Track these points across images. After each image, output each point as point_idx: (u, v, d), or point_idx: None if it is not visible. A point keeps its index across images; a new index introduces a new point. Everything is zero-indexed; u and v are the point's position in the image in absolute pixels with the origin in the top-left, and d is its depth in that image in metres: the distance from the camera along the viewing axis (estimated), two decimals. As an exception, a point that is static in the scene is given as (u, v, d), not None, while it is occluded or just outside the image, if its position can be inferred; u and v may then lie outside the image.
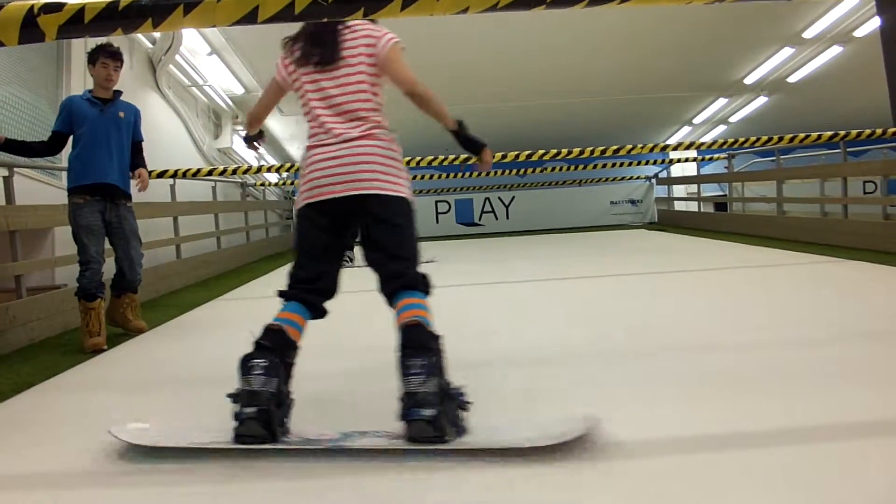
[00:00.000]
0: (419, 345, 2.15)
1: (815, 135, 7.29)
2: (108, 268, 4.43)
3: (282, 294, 2.43)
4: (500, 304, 5.24)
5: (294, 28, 2.55)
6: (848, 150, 8.40)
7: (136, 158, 4.47)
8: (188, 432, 2.29)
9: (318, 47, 2.46)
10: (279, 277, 7.94)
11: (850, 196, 8.21)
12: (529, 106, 12.25)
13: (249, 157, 12.57)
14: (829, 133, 7.25)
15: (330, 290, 2.46)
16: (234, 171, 8.26)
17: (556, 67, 10.67)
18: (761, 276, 6.07)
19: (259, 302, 6.18)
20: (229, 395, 2.19)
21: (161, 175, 6.47)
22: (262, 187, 12.90)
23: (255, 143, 2.97)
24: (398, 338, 2.18)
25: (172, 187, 7.64)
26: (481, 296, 5.75)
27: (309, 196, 2.40)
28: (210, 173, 7.66)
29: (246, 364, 2.18)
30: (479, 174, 11.60)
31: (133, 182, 4.52)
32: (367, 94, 2.46)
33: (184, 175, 7.12)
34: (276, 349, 2.22)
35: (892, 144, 9.96)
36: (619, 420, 2.21)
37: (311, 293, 2.41)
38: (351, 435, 2.19)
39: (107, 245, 4.38)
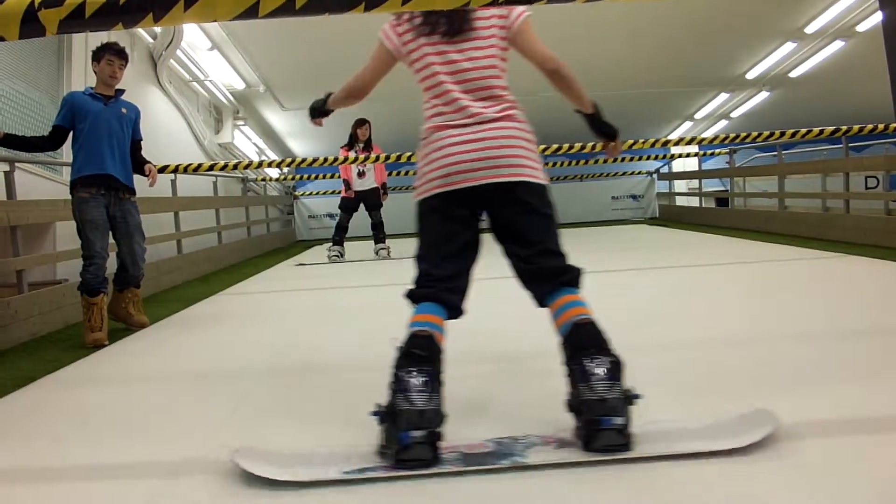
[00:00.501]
0: (599, 345, 1.98)
1: (816, 130, 7.28)
2: (111, 263, 4.44)
3: (414, 294, 2.16)
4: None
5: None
6: (850, 145, 8.39)
7: (136, 157, 4.49)
8: (323, 458, 1.99)
9: (445, 15, 2.16)
10: (280, 272, 7.98)
11: (852, 191, 8.21)
12: (531, 100, 12.19)
13: (251, 152, 12.57)
14: (831, 128, 7.25)
15: (467, 289, 2.20)
16: (235, 167, 8.25)
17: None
18: (762, 271, 6.06)
19: (260, 297, 6.20)
20: (376, 413, 1.96)
21: (162, 170, 6.46)
22: (263, 182, 12.89)
23: (320, 120, 2.69)
24: (567, 338, 2.02)
25: (173, 182, 7.64)
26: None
27: (443, 184, 2.13)
28: (211, 168, 7.65)
29: (403, 378, 1.92)
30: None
31: (146, 179, 4.54)
32: (499, 69, 2.23)
33: (185, 170, 7.11)
34: (431, 359, 1.98)
35: (895, 140, 9.95)
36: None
37: (450, 292, 2.14)
38: (504, 443, 2.01)
39: (110, 240, 4.39)
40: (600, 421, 1.87)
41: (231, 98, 11.18)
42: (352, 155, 8.08)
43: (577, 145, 6.91)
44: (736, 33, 10.06)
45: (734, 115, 14.02)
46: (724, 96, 13.09)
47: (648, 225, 12.76)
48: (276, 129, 13.46)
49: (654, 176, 14.63)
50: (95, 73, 4.33)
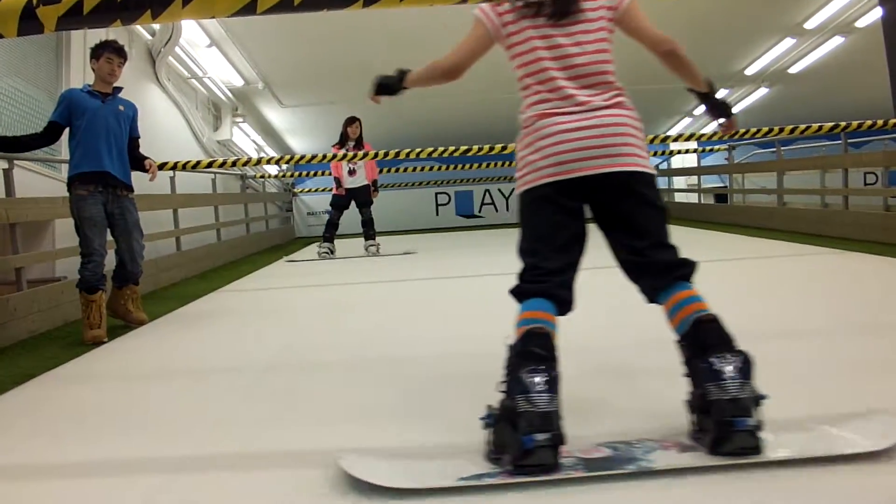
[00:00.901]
0: (727, 342, 1.86)
1: (815, 126, 7.28)
2: (109, 259, 4.44)
3: (523, 290, 2.02)
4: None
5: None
6: (849, 141, 8.38)
7: (134, 154, 4.49)
8: (433, 466, 1.88)
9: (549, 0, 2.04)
10: (279, 269, 7.95)
11: (851, 187, 8.21)
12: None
13: (249, 149, 12.56)
14: (830, 124, 7.24)
15: (574, 283, 2.06)
16: (234, 164, 8.26)
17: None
18: (761, 267, 6.07)
19: (259, 294, 6.20)
20: (488, 416, 1.87)
21: (161, 167, 6.44)
22: (262, 179, 12.89)
23: (380, 98, 2.55)
24: (688, 335, 1.92)
25: (172, 179, 7.63)
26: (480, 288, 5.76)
27: (555, 173, 2.01)
28: (210, 165, 7.65)
29: (523, 379, 1.79)
30: (479, 166, 11.59)
31: (146, 175, 4.55)
32: (608, 54, 2.11)
33: (183, 167, 7.11)
34: (551, 358, 1.87)
35: (894, 136, 9.95)
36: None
37: (561, 287, 2.01)
38: (620, 447, 1.91)
39: (108, 237, 4.40)
40: (733, 423, 1.76)
41: (230, 95, 11.17)
42: (340, 153, 8.10)
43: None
44: (735, 29, 10.05)
45: (734, 110, 13.97)
46: (723, 92, 13.07)
47: (647, 221, 12.75)
48: (275, 126, 13.45)
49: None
50: (94, 70, 4.33)
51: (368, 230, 8.78)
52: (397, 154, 7.12)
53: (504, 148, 6.89)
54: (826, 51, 10.68)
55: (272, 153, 13.91)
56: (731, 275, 5.62)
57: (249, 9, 1.74)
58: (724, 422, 1.77)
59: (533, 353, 1.84)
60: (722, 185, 13.23)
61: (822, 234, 7.89)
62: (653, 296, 2.06)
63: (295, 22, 8.61)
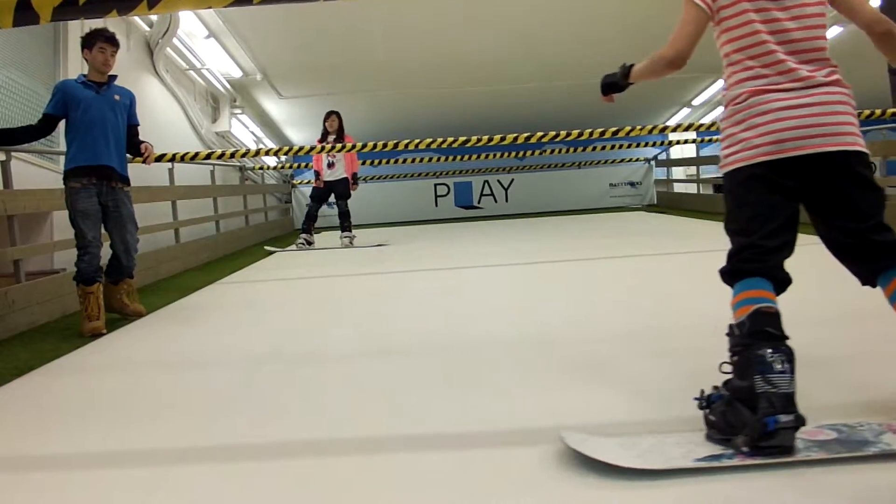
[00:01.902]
0: None
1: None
2: (105, 252, 4.44)
3: (741, 269, 1.99)
4: (498, 285, 5.25)
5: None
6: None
7: (133, 140, 4.48)
8: (660, 446, 1.86)
9: None
10: (278, 261, 7.91)
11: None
12: (531, 88, 12.20)
13: (248, 140, 12.53)
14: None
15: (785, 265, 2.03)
16: (233, 155, 8.21)
17: (559, 52, 10.62)
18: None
19: (258, 286, 6.20)
20: (701, 399, 1.91)
21: (159, 159, 6.44)
22: (261, 171, 12.86)
23: (613, 96, 2.53)
24: None
25: (171, 171, 7.62)
26: (480, 277, 5.77)
27: (773, 151, 1.96)
28: (208, 157, 7.62)
29: (763, 360, 1.78)
30: (479, 157, 11.58)
31: (143, 166, 4.54)
32: (824, 29, 2.08)
33: (182, 159, 7.09)
34: (784, 337, 1.85)
35: (892, 125, 9.93)
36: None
37: (778, 267, 1.99)
38: (843, 430, 1.88)
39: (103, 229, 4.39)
40: None
41: (228, 86, 11.13)
42: (327, 146, 8.17)
43: (575, 132, 6.88)
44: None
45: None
46: (721, 82, 13.04)
47: (646, 212, 12.75)
48: (274, 118, 13.41)
49: (652, 163, 14.60)
50: (86, 60, 4.30)
51: (344, 222, 9.04)
52: (395, 145, 7.08)
53: (503, 139, 6.86)
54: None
55: (271, 145, 13.88)
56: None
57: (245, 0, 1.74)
58: None
59: (767, 332, 1.83)
60: (720, 175, 13.20)
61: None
62: (870, 278, 2.03)
63: (294, 12, 8.57)
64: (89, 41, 4.25)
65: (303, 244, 8.96)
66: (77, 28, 6.46)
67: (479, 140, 7.02)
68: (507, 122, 12.80)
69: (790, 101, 1.96)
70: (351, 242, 8.93)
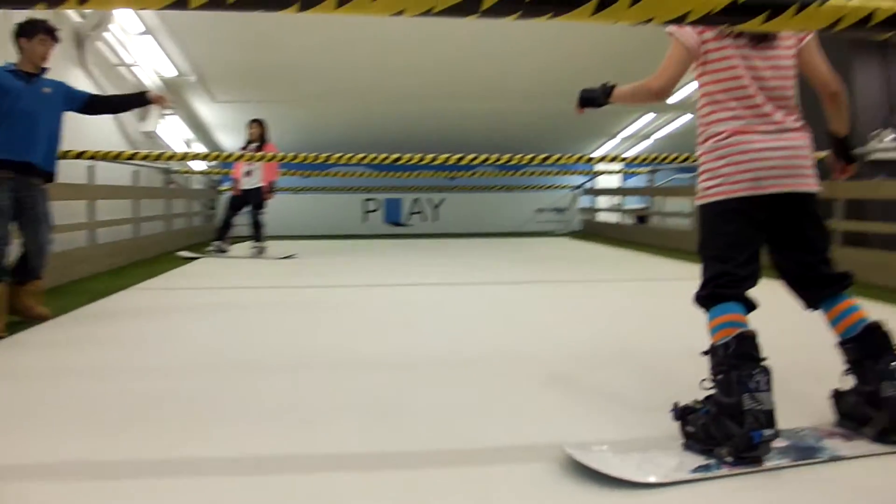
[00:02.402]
0: (893, 347, 2.14)
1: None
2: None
3: (718, 294, 2.18)
4: (405, 306, 5.30)
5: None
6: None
7: (109, 104, 4.43)
8: (651, 458, 2.00)
9: None
10: (200, 268, 7.73)
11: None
12: (466, 109, 12.37)
13: (177, 143, 12.25)
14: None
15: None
16: (159, 157, 8.03)
17: (495, 75, 10.82)
18: (661, 288, 6.32)
19: (173, 294, 6.03)
20: (703, 412, 2.05)
21: (80, 156, 6.25)
22: (188, 175, 12.59)
23: (585, 110, 2.68)
24: (857, 338, 2.17)
25: (91, 169, 7.39)
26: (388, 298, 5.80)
27: (752, 187, 2.18)
28: (133, 157, 7.43)
29: (749, 379, 1.97)
30: (410, 175, 11.65)
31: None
32: (794, 80, 2.26)
33: (104, 157, 6.89)
34: (762, 358, 2.04)
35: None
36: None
37: (749, 292, 2.21)
38: (791, 437, 2.13)
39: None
40: None
41: (161, 86, 10.88)
42: (246, 154, 8.20)
43: (506, 157, 7.03)
44: (663, 57, 10.43)
45: (657, 135, 14.51)
46: (649, 117, 13.53)
47: (570, 238, 13.07)
48: (206, 122, 13.17)
49: (579, 191, 15.01)
50: (22, 48, 4.13)
51: (256, 232, 8.92)
52: (328, 158, 7.08)
53: (434, 158, 6.95)
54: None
55: (201, 148, 13.60)
56: (625, 295, 5.83)
57: (180, 3, 1.74)
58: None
59: (751, 354, 2.03)
60: (643, 206, 13.68)
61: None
62: (815, 304, 2.29)
63: (234, 17, 8.48)
64: (30, 31, 4.09)
65: (214, 251, 8.83)
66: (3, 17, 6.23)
67: (410, 158, 7.09)
68: (440, 142, 12.95)
69: (767, 143, 2.18)
70: (260, 253, 8.80)
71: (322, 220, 14.07)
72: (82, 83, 8.64)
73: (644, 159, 9.22)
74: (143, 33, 9.12)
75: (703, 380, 2.08)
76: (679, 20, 1.84)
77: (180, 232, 11.09)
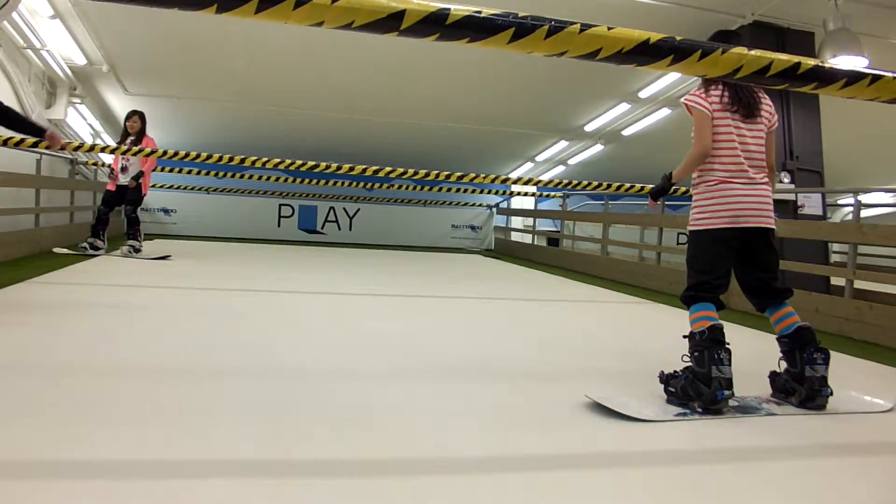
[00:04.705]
0: (816, 342, 3.03)
1: (638, 186, 7.96)
2: None
3: (699, 296, 3.05)
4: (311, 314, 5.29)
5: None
6: (667, 203, 9.18)
7: (4, 114, 4.17)
8: (647, 407, 2.88)
9: (745, 102, 3.12)
10: (100, 265, 7.45)
11: (664, 245, 9.02)
12: (386, 122, 12.42)
13: (84, 133, 11.79)
14: (651, 186, 7.93)
15: None
16: (65, 147, 7.71)
17: (416, 92, 10.95)
18: (570, 309, 6.53)
19: (75, 288, 5.80)
20: (682, 377, 2.93)
21: (-22, 140, 5.95)
22: (95, 167, 12.10)
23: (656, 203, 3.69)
24: (792, 335, 3.05)
25: (-10, 155, 7.04)
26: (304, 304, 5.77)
27: (732, 221, 3.05)
28: (36, 144, 7.12)
29: (718, 355, 2.84)
30: (326, 183, 11.57)
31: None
32: (765, 148, 3.17)
33: (5, 143, 6.58)
34: (726, 343, 2.91)
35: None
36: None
37: (720, 296, 3.09)
38: (740, 400, 3.02)
39: None
40: (821, 391, 2.98)
41: (69, 73, 10.45)
42: (123, 147, 7.90)
43: (423, 172, 7.12)
44: (582, 88, 10.82)
45: (571, 161, 14.95)
46: (563, 143, 13.93)
47: (483, 255, 13.26)
48: (116, 113, 12.69)
49: (494, 210, 15.27)
50: None
51: (129, 229, 8.46)
52: (243, 160, 6.98)
53: (352, 168, 6.96)
54: (655, 119, 11.71)
55: (109, 141, 13.11)
56: (532, 314, 6.00)
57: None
58: (814, 389, 2.98)
59: (719, 340, 2.89)
60: (555, 229, 14.03)
61: (637, 284, 8.59)
62: (764, 308, 3.19)
63: (149, 9, 8.25)
64: None
65: (85, 248, 8.29)
66: None
67: (328, 167, 7.08)
68: (359, 152, 12.95)
69: (744, 191, 3.08)
70: (132, 251, 8.32)
71: (233, 223, 13.79)
72: (-14, 64, 8.23)
73: (558, 183, 9.49)
74: (53, 17, 8.75)
75: (684, 355, 2.95)
76: (591, 56, 1.97)
77: (85, 226, 10.63)
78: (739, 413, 2.91)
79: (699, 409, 2.84)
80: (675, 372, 2.99)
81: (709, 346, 2.85)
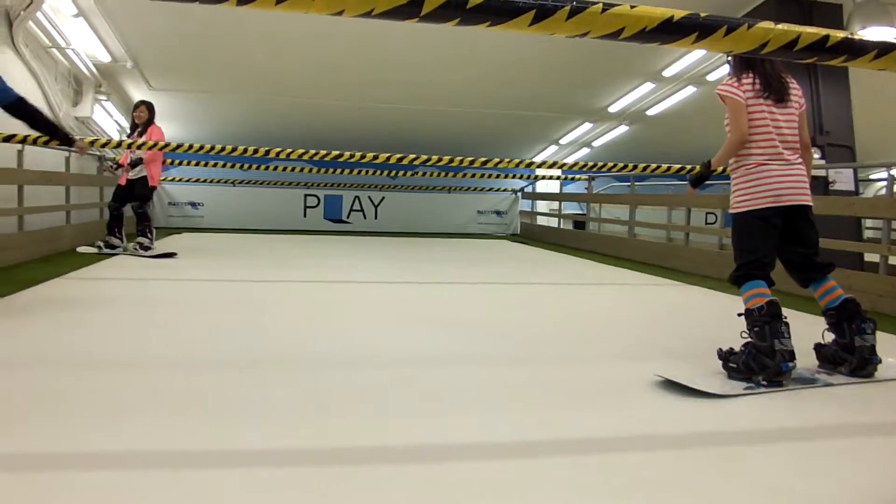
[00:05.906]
0: (863, 313, 3.17)
1: (665, 166, 7.87)
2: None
3: (751, 274, 3.16)
4: (337, 303, 5.32)
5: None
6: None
7: (32, 117, 4.20)
8: (714, 382, 2.99)
9: (776, 88, 3.24)
10: (130, 260, 7.51)
11: (693, 225, 8.92)
12: (409, 110, 12.39)
13: (111, 129, 11.93)
14: (678, 166, 7.84)
15: None
16: (92, 144, 7.81)
17: (438, 79, 10.90)
18: (599, 293, 6.49)
19: (103, 284, 5.88)
20: (724, 351, 3.13)
21: (9, 139, 6.05)
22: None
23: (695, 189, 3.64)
24: (839, 308, 3.17)
25: (20, 153, 7.15)
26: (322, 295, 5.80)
27: (773, 201, 3.18)
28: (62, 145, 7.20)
29: (779, 328, 2.97)
30: (351, 172, 11.60)
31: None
32: (798, 131, 3.29)
33: (34, 142, 6.68)
34: (784, 316, 3.03)
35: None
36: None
37: (770, 273, 3.19)
38: (800, 372, 3.12)
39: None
40: (871, 359, 3.13)
41: (94, 70, 10.56)
42: (139, 140, 7.75)
43: (447, 158, 7.10)
44: (604, 69, 10.68)
45: (595, 144, 14.81)
46: (587, 125, 13.80)
47: (510, 241, 13.23)
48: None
49: (519, 194, 15.20)
50: None
51: (138, 225, 8.20)
52: (267, 152, 7.02)
53: (376, 157, 6.96)
54: (680, 98, 11.54)
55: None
56: (567, 298, 5.97)
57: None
58: (864, 358, 3.13)
59: (778, 314, 3.01)
60: (581, 212, 13.93)
61: (664, 265, 8.52)
62: (807, 283, 3.32)
63: (172, 4, 8.30)
64: None
65: (101, 245, 8.10)
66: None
67: (352, 156, 7.09)
68: (383, 140, 12.94)
69: (784, 171, 3.20)
70: (139, 248, 7.98)
71: (260, 215, 13.90)
72: (12, 63, 8.36)
73: (583, 166, 9.41)
74: (76, 15, 8.83)
75: (743, 331, 3.07)
76: (614, 35, 1.94)
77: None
78: (799, 384, 3.03)
79: (763, 382, 2.97)
80: (733, 349, 3.11)
81: (769, 320, 2.98)
